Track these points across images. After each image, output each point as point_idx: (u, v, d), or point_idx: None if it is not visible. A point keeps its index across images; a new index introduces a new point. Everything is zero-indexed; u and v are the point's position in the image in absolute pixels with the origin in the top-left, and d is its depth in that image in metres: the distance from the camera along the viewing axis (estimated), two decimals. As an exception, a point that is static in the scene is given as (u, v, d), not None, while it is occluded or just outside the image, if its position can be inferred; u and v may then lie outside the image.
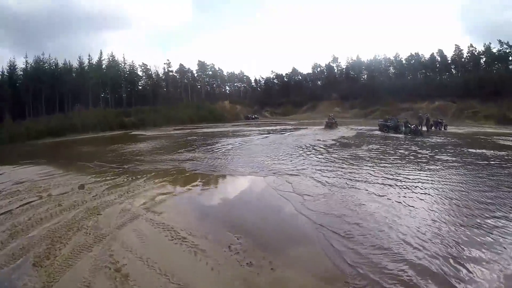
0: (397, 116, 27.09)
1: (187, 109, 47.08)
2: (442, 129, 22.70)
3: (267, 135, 20.82)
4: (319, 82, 63.45)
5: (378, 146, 13.87)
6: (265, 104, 57.79)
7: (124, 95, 53.04)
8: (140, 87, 57.55)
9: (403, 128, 19.86)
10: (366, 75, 58.36)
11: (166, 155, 12.55)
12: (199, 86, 64.98)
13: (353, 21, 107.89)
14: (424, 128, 20.96)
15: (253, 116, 49.35)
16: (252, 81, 70.25)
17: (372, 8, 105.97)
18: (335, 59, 62.26)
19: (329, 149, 13.11)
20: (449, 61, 51.33)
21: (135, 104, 48.83)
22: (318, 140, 16.73)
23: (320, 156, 11.24)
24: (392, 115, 34.48)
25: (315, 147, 13.76)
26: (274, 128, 27.58)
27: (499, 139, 16.66)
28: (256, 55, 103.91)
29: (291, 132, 22.09)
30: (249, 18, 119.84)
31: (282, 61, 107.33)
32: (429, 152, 11.75)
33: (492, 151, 11.74)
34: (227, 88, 70.51)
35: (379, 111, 43.21)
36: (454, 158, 10.37)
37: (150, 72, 57.59)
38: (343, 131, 22.24)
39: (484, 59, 48.41)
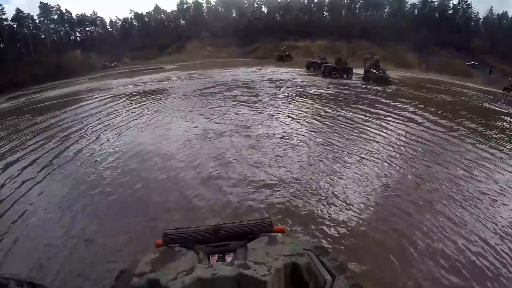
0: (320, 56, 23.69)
1: (27, 67, 38.00)
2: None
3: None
4: (182, 22, 59.93)
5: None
6: (124, 50, 51.69)
7: None
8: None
9: (366, 74, 16.10)
10: (236, 13, 56.70)
11: None
12: (43, 36, 51.73)
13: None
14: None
15: (112, 64, 43.84)
16: (107, 23, 60.49)
17: None
18: None
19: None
20: (327, 2, 53.86)
21: None
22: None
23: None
24: (276, 52, 32.65)
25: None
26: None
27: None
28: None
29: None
30: None
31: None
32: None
33: None
34: (77, 34, 58.75)
35: (261, 49, 42.75)
36: None
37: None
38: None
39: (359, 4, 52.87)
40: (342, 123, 7.16)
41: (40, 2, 51.11)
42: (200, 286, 0.89)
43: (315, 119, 7.48)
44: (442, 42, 44.33)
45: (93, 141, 6.58)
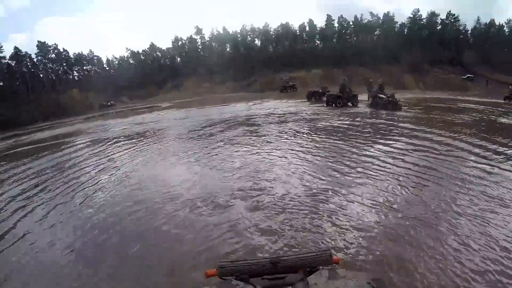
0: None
1: (25, 106, 37.70)
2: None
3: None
4: (178, 59, 60.60)
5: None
6: (122, 88, 51.67)
7: None
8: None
9: (374, 99, 14.66)
10: (230, 47, 56.97)
11: None
12: (41, 75, 51.93)
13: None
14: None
15: (109, 104, 43.40)
16: (104, 62, 61.22)
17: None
18: (199, 31, 58.11)
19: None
20: (318, 31, 54.75)
21: None
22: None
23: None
24: (273, 85, 34.58)
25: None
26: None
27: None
28: (106, 30, 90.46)
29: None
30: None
31: (138, 36, 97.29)
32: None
33: None
34: (75, 73, 59.21)
35: (258, 83, 42.80)
36: None
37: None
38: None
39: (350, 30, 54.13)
40: (374, 167, 5.59)
41: (38, 41, 51.92)
42: None
43: (340, 163, 5.95)
44: (434, 59, 44.63)
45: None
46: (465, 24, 51.90)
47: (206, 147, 8.35)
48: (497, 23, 50.56)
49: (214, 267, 0.97)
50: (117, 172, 6.69)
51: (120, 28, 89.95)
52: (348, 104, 15.93)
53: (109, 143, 10.87)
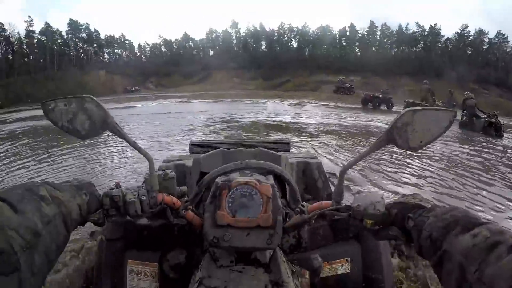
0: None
1: (46, 82, 37.11)
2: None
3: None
4: (210, 52, 58.04)
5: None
6: (150, 75, 49.92)
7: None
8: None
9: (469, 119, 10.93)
10: (266, 46, 54.61)
11: None
12: (72, 53, 51.41)
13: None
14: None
15: (133, 89, 41.54)
16: (136, 47, 60.01)
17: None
18: (234, 24, 55.69)
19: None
20: (359, 37, 51.75)
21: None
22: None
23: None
24: (307, 87, 32.51)
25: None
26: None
27: None
28: (142, 16, 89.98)
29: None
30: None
31: (173, 24, 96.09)
32: None
33: None
34: (106, 56, 58.36)
35: (291, 83, 40.48)
36: None
37: (6, 33, 42.05)
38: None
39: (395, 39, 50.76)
40: None
41: (70, 19, 51.26)
42: (222, 156, 1.10)
43: None
44: (479, 79, 39.65)
45: None
46: (512, 44, 46.51)
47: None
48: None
49: None
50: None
51: (155, 15, 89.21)
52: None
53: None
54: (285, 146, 1.49)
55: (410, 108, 0.62)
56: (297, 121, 11.82)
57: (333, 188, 0.87)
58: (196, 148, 1.43)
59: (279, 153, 1.12)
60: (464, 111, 11.15)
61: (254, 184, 0.69)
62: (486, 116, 10.46)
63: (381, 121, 11.89)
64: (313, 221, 0.74)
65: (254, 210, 0.68)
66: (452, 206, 0.56)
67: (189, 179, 1.10)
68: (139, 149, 0.68)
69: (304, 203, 0.78)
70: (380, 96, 17.27)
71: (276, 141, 1.57)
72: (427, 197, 3.61)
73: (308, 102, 19.29)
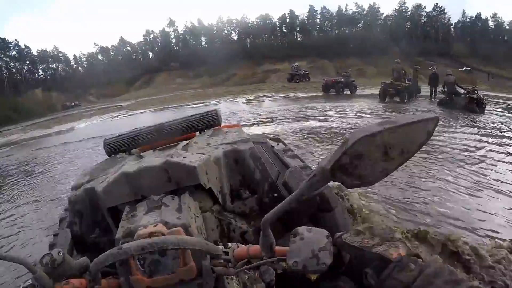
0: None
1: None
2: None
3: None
4: (150, 54, 57.60)
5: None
6: (90, 86, 48.73)
7: None
8: None
9: (449, 95, 10.50)
10: (206, 41, 54.49)
11: None
12: (4, 74, 48.00)
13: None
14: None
15: (73, 104, 40.12)
16: (71, 59, 57.70)
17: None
18: (171, 23, 54.93)
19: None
20: (299, 22, 52.86)
21: None
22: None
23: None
24: (254, 78, 32.83)
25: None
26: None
27: None
28: (73, 26, 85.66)
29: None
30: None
31: (107, 30, 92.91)
32: None
33: None
34: (40, 72, 55.47)
35: (237, 76, 41.02)
36: None
37: None
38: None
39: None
40: None
41: None
42: (126, 181, 0.91)
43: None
44: (423, 52, 43.65)
45: None
46: (450, 17, 51.06)
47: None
48: (483, 17, 50.29)
49: None
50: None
51: (87, 23, 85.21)
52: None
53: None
54: (213, 119, 1.31)
55: (365, 133, 0.43)
56: (263, 130, 8.30)
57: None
58: (112, 147, 1.23)
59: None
60: (444, 88, 10.96)
61: (161, 234, 0.56)
62: (466, 92, 10.05)
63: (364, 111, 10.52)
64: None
65: (172, 263, 0.56)
66: (437, 266, 0.40)
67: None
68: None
69: (229, 245, 0.64)
70: (343, 80, 16.00)
71: (202, 115, 1.38)
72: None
73: (264, 96, 17.21)
